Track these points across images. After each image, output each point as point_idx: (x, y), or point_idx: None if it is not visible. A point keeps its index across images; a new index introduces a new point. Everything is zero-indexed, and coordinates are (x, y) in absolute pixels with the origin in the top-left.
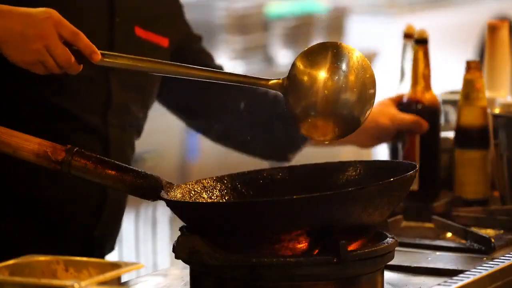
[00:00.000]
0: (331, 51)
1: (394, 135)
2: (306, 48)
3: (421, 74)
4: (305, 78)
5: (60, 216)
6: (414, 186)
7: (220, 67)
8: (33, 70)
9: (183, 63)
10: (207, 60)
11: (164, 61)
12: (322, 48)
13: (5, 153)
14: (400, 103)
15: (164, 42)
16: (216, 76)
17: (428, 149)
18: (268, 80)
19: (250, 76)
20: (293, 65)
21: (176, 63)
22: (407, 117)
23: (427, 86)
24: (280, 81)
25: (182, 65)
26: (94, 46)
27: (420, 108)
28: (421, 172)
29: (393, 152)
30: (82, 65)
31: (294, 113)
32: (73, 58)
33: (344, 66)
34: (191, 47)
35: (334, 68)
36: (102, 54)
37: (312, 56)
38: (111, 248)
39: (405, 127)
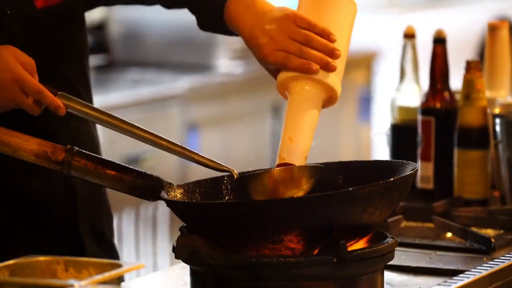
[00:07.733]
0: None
1: None
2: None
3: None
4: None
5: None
6: (429, 185)
7: None
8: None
9: None
10: None
11: (126, 121)
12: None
13: (5, 153)
14: None
15: None
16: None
17: (443, 148)
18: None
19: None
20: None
21: (140, 127)
22: None
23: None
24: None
25: (145, 130)
26: (59, 101)
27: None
28: (436, 171)
29: (394, 152)
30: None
31: None
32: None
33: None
34: None
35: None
36: (65, 104)
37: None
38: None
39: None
